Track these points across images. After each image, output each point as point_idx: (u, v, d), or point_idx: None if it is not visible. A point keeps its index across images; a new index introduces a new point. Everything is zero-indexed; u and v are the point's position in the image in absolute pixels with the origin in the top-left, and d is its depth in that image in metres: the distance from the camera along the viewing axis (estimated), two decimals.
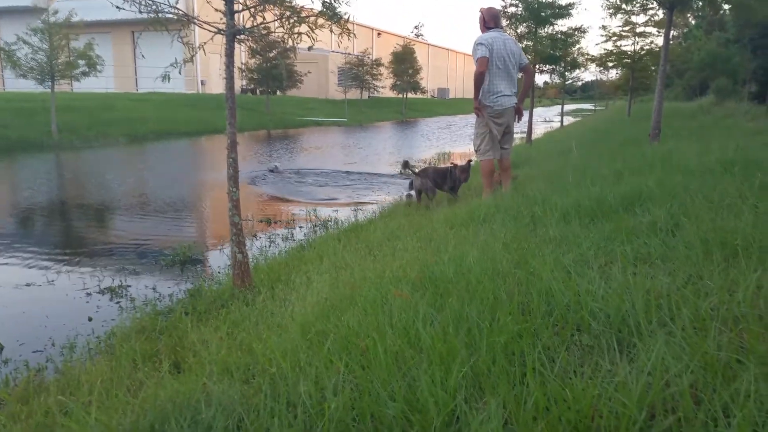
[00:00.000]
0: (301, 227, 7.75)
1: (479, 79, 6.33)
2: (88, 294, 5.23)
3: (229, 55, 4.35)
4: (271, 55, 30.19)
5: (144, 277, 5.73)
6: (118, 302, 5.03)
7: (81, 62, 19.37)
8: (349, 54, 39.42)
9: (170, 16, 4.55)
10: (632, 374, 1.75)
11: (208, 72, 38.34)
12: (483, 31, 6.56)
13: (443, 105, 56.48)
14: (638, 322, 2.11)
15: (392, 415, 1.83)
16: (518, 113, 6.68)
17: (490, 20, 6.57)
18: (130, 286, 5.41)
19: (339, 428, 1.85)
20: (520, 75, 6.98)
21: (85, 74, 19.58)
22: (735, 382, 1.66)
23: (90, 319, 4.64)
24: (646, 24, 21.78)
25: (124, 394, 2.88)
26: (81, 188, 11.53)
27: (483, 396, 1.89)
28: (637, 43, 23.17)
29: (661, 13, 15.79)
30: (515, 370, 1.97)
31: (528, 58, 7.10)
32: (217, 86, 37.14)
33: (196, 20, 4.56)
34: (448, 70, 77.78)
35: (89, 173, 13.60)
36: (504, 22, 16.88)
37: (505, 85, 6.45)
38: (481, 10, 6.65)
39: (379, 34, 59.04)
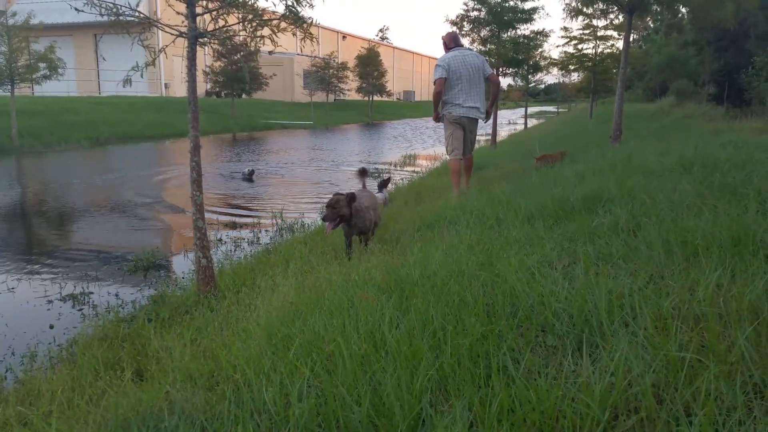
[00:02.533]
0: (267, 231, 7.67)
1: (436, 98, 7.27)
2: (50, 301, 5.10)
3: (191, 58, 4.29)
4: (236, 58, 29.90)
5: (106, 283, 5.60)
6: (80, 309, 4.91)
7: (42, 65, 18.87)
8: (314, 57, 39.29)
9: (131, 19, 4.46)
10: (595, 375, 1.76)
11: (172, 75, 37.83)
12: (445, 52, 7.37)
13: (409, 108, 56.70)
14: (601, 322, 2.13)
15: (358, 420, 1.81)
16: (487, 114, 7.45)
17: (450, 42, 7.45)
18: (92, 293, 5.29)
19: None
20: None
21: (46, 77, 19.08)
22: (696, 381, 1.68)
23: (51, 327, 4.53)
24: (606, 27, 22.22)
25: (85, 403, 2.81)
26: (42, 193, 11.23)
27: (448, 398, 1.88)
28: (598, 46, 23.61)
29: (621, 17, 16.11)
30: (480, 372, 1.97)
31: (491, 70, 7.64)
32: (180, 89, 36.65)
33: (157, 23, 4.48)
34: (414, 73, 78.16)
35: (51, 178, 13.25)
36: (467, 26, 17.06)
37: (464, 97, 7.15)
38: (442, 37, 7.54)
39: (344, 37, 59.01)
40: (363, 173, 6.10)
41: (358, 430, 1.78)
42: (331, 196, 4.91)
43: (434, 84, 7.25)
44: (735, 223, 3.05)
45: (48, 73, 19.05)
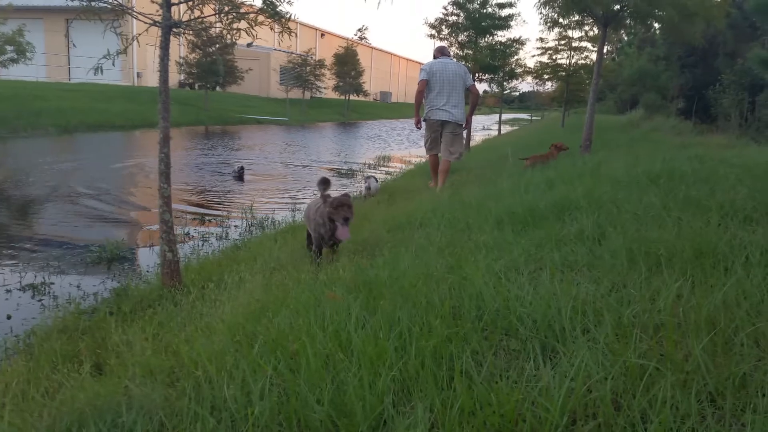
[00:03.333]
0: (236, 227, 7.60)
1: (417, 98, 8.14)
2: (8, 291, 4.97)
3: (164, 48, 4.23)
4: (211, 50, 29.55)
5: (69, 274, 5.48)
6: (40, 300, 4.80)
7: (9, 48, 18.41)
8: (292, 53, 39.07)
9: (104, 5, 4.38)
10: (555, 379, 1.79)
11: (145, 64, 37.24)
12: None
13: (385, 108, 56.74)
14: (563, 327, 2.16)
15: (319, 420, 1.81)
16: (466, 124, 8.31)
17: (437, 53, 8.42)
18: (53, 284, 5.16)
19: None
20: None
21: (13, 61, 18.64)
22: (653, 388, 1.71)
23: (9, 317, 4.41)
24: (581, 39, 22.54)
25: (41, 396, 2.75)
26: (5, 180, 10.95)
27: (411, 400, 1.89)
28: (573, 56, 23.94)
29: (596, 29, 16.36)
30: (443, 374, 1.98)
31: (472, 81, 8.43)
32: (153, 79, 36.08)
33: (131, 11, 4.41)
34: (391, 74, 78.24)
35: (15, 165, 12.93)
36: (445, 31, 17.17)
37: (444, 101, 7.94)
38: (434, 49, 8.61)
39: (322, 34, 58.81)
40: (325, 183, 5.10)
41: (319, 430, 1.77)
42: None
43: (417, 85, 8.08)
44: (697, 236, 3.12)
45: (15, 57, 18.60)
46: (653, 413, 1.60)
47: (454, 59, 8.85)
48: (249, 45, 4.56)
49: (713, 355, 1.86)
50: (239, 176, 12.07)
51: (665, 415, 1.56)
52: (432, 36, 17.49)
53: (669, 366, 1.82)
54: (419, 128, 8.33)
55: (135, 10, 4.36)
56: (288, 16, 4.32)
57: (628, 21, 11.23)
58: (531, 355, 2.04)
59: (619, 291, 2.54)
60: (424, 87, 7.99)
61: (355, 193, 9.32)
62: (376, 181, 9.04)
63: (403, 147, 23.06)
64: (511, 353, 2.14)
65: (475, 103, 8.64)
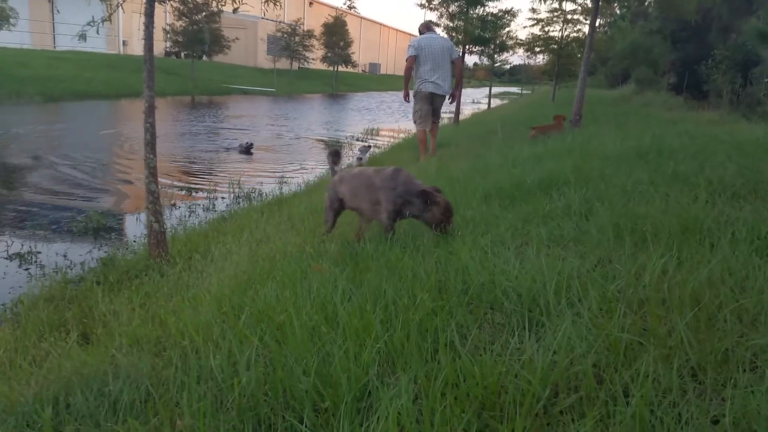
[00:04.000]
0: (223, 198, 7.56)
1: (407, 74, 8.44)
2: None
3: (149, 15, 4.14)
4: (197, 18, 29.04)
5: (55, 243, 5.45)
6: (26, 269, 4.78)
7: None
8: (280, 22, 38.50)
9: None
10: (539, 352, 1.80)
11: (131, 32, 36.61)
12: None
13: (374, 80, 56.26)
14: (548, 302, 2.17)
15: (304, 390, 1.82)
16: (452, 97, 8.77)
17: (423, 29, 8.68)
18: (40, 253, 5.14)
19: (250, 402, 1.83)
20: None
21: None
22: (636, 363, 1.73)
23: None
24: (574, 12, 22.35)
25: (28, 364, 2.76)
26: None
27: (395, 372, 1.90)
28: (565, 29, 23.76)
29: (589, 2, 16.24)
30: (428, 346, 1.99)
31: (457, 54, 8.84)
32: (139, 47, 35.36)
33: None
34: (380, 45, 77.38)
35: (0, 132, 12.74)
36: (436, 1, 16.97)
37: (433, 75, 8.24)
38: (419, 26, 8.81)
39: (311, 3, 57.94)
40: (336, 156, 4.34)
41: (304, 400, 1.79)
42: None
43: (406, 62, 8.39)
44: (684, 212, 3.14)
45: None
46: (635, 387, 1.62)
47: (440, 34, 8.94)
48: (235, 11, 4.49)
49: (696, 331, 1.88)
50: (246, 151, 11.72)
51: (647, 389, 1.58)
52: (422, 6, 17.26)
53: (652, 341, 1.84)
54: (407, 101, 8.63)
55: None
56: None
57: None
58: (515, 329, 2.06)
59: (604, 266, 2.56)
60: (413, 63, 8.33)
61: (346, 162, 9.30)
62: (366, 151, 9.18)
63: (393, 120, 22.93)
64: (496, 327, 2.15)
65: (460, 76, 8.89)
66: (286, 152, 12.49)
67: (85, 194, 7.63)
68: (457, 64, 8.76)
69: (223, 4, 4.31)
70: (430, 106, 8.42)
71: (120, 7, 4.26)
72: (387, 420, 1.59)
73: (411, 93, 8.52)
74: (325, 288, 2.58)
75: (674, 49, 23.84)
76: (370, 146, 9.85)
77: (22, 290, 4.21)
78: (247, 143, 11.91)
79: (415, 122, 8.66)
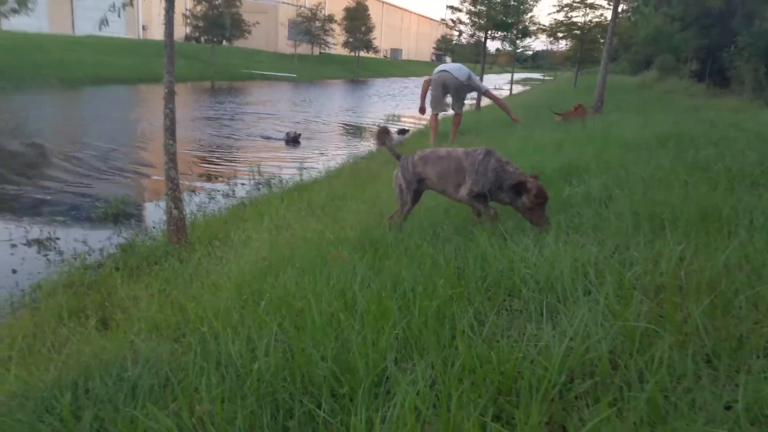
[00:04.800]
0: (243, 184, 7.61)
1: (424, 88, 9.06)
2: (14, 246, 5.02)
3: (170, 0, 4.17)
4: (217, 2, 29.04)
5: (74, 229, 5.52)
6: (45, 255, 4.84)
7: None
8: (300, 6, 38.40)
9: None
10: (555, 339, 1.81)
11: (150, 17, 36.74)
12: None
13: (396, 66, 55.95)
14: (565, 288, 2.17)
15: (322, 375, 1.84)
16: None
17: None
18: (59, 239, 5.21)
19: (268, 388, 1.85)
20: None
21: (15, 11, 18.22)
22: (651, 349, 1.73)
23: (14, 272, 4.46)
24: None
25: (47, 350, 2.80)
26: (9, 133, 10.91)
27: (413, 357, 1.92)
28: (588, 14, 23.41)
29: None
30: (446, 333, 2.00)
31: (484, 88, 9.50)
32: (159, 32, 35.48)
33: None
34: (402, 30, 76.87)
35: (20, 118, 12.87)
36: None
37: (445, 66, 9.05)
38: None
39: None
40: (387, 134, 3.89)
41: (322, 385, 1.81)
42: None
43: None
44: (703, 199, 3.11)
45: (17, 7, 18.17)
46: (650, 373, 1.62)
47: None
48: None
49: (712, 318, 1.87)
50: (294, 141, 11.53)
51: (661, 375, 1.58)
52: None
53: (668, 327, 1.84)
54: (423, 114, 9.45)
55: None
56: None
57: None
58: (533, 316, 2.06)
59: (622, 253, 2.54)
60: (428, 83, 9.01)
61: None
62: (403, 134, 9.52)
63: (416, 106, 22.74)
64: (513, 313, 2.16)
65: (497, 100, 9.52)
66: (324, 140, 12.50)
67: (105, 180, 7.71)
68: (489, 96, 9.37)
69: None
70: (441, 91, 8.88)
71: None
72: (404, 405, 1.61)
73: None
74: (345, 275, 2.60)
75: (697, 36, 23.38)
76: (407, 130, 9.96)
77: (41, 276, 4.25)
78: (294, 133, 11.69)
79: (432, 109, 9.11)
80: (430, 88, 8.97)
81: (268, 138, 12.01)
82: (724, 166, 3.91)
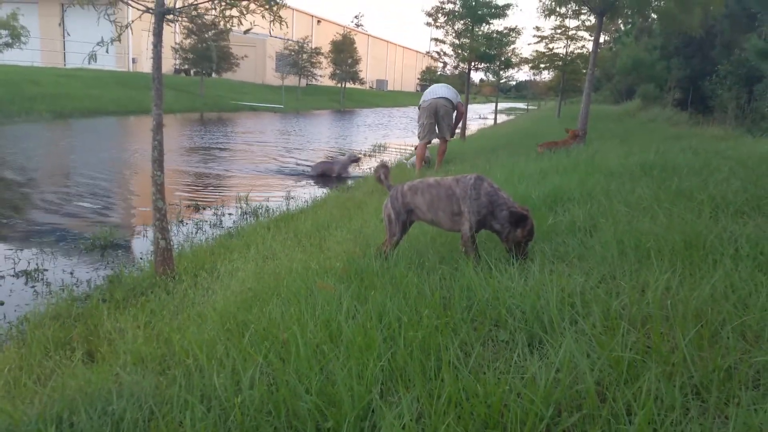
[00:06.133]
0: (230, 214, 7.59)
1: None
2: (1, 277, 4.97)
3: (157, 34, 4.20)
4: (207, 35, 29.32)
5: (62, 260, 5.48)
6: (33, 286, 4.80)
7: (4, 32, 18.22)
8: (288, 40, 38.83)
9: None
10: (541, 370, 1.80)
11: (140, 49, 36.97)
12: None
13: (381, 96, 56.50)
14: (551, 319, 2.17)
15: (307, 408, 1.82)
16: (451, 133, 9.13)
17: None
18: (46, 270, 5.16)
19: (253, 422, 1.83)
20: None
21: (8, 45, 18.44)
22: (638, 380, 1.73)
23: (1, 303, 4.41)
24: (578, 28, 22.46)
25: (33, 382, 2.77)
26: (0, 165, 10.87)
27: (398, 390, 1.90)
28: (569, 45, 23.86)
29: (592, 18, 16.31)
30: (432, 364, 1.99)
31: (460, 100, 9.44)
32: (148, 65, 35.65)
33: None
34: (387, 62, 77.81)
35: (10, 150, 12.82)
36: (441, 19, 17.14)
37: (433, 92, 8.98)
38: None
39: (319, 21, 58.44)
40: (386, 169, 3.87)
41: (307, 419, 1.79)
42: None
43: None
44: (688, 228, 3.14)
45: (10, 41, 18.42)
46: (638, 405, 1.62)
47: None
48: (246, 32, 4.55)
49: (699, 348, 1.88)
50: (355, 162, 10.87)
51: (649, 407, 1.57)
52: (429, 24, 17.43)
53: (655, 358, 1.83)
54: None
55: None
56: (280, 2, 4.28)
57: (625, 10, 11.20)
58: (519, 346, 2.06)
59: (608, 283, 2.55)
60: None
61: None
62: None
63: (401, 135, 22.97)
64: (499, 344, 2.15)
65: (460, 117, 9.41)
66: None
67: (93, 211, 7.67)
68: (459, 108, 9.18)
69: (232, 24, 4.36)
70: (433, 119, 8.80)
71: (129, 28, 4.31)
72: None
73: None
74: (330, 305, 2.59)
75: (678, 65, 23.85)
76: (359, 158, 9.97)
77: (28, 308, 4.22)
78: (355, 155, 11.09)
79: (418, 137, 9.03)
80: (420, 115, 8.90)
81: (299, 174, 11.46)
82: (708, 195, 3.95)
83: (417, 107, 9.19)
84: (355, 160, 10.73)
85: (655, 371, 1.74)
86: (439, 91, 8.94)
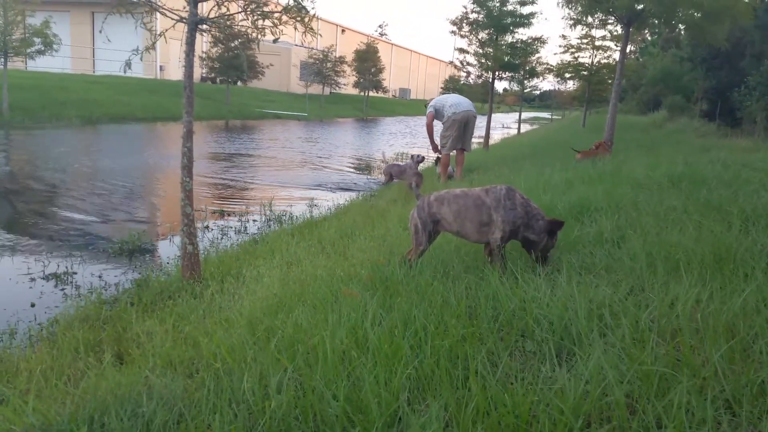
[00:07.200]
0: (254, 221, 7.66)
1: (429, 129, 9.19)
2: (32, 279, 5.07)
3: (190, 44, 4.28)
4: (234, 45, 29.67)
5: (91, 264, 5.57)
6: (62, 289, 4.88)
7: (37, 40, 18.60)
8: (312, 49, 39.13)
9: (135, 0, 4.45)
10: (571, 382, 1.79)
11: (168, 57, 37.51)
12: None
13: (404, 105, 56.57)
14: (579, 330, 2.16)
15: (335, 415, 1.83)
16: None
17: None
18: (75, 273, 5.26)
19: (281, 427, 1.85)
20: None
21: (40, 53, 18.79)
22: (669, 393, 1.71)
23: (33, 305, 4.50)
24: (604, 38, 22.31)
25: (64, 383, 2.81)
26: (31, 169, 11.10)
27: (426, 398, 1.90)
28: (595, 55, 23.70)
29: (619, 28, 16.19)
30: (459, 373, 1.99)
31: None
32: (176, 72, 36.40)
33: (159, 8, 4.46)
34: (411, 70, 77.98)
35: (40, 154, 13.10)
36: (466, 28, 17.14)
37: (461, 105, 8.93)
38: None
39: (343, 30, 58.79)
40: (419, 178, 3.67)
41: (335, 425, 1.80)
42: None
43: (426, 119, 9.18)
44: (718, 240, 3.10)
45: (42, 49, 18.78)
46: (668, 418, 1.60)
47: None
48: (275, 41, 4.61)
49: (731, 362, 1.85)
50: (418, 164, 10.39)
51: (680, 421, 1.56)
52: (453, 33, 17.44)
53: (685, 371, 1.82)
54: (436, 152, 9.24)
55: (163, 6, 4.41)
56: (312, 14, 4.34)
57: (652, 20, 11.11)
58: (546, 357, 2.05)
59: (637, 295, 2.53)
60: (433, 117, 9.08)
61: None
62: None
63: (423, 144, 22.96)
64: (527, 354, 2.15)
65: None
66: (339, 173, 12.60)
67: (121, 216, 7.79)
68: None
69: (263, 34, 4.41)
70: (461, 132, 8.83)
71: (162, 36, 4.39)
72: None
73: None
74: (356, 312, 2.60)
75: (706, 76, 23.54)
76: (423, 157, 9.83)
77: (58, 310, 4.30)
78: (419, 156, 10.65)
79: (442, 147, 8.98)
80: (449, 126, 8.81)
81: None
82: (738, 207, 3.90)
83: (427, 114, 9.13)
84: (420, 160, 10.69)
85: (685, 384, 1.72)
86: (468, 104, 8.98)
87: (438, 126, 9.15)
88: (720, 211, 3.93)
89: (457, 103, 8.95)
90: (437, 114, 9.00)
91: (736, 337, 1.97)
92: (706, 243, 3.08)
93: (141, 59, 4.31)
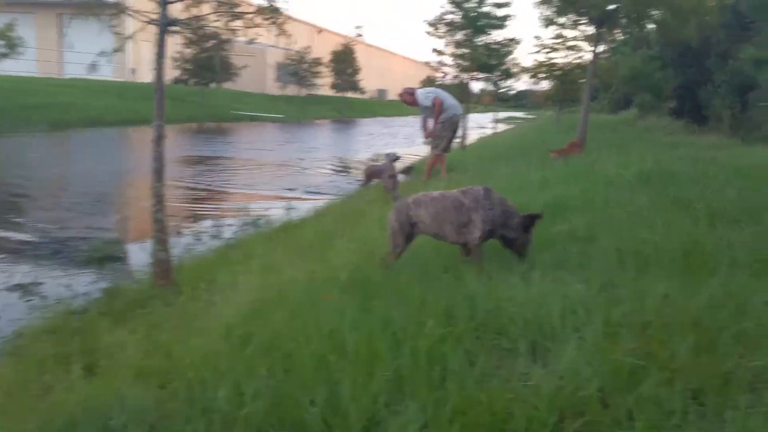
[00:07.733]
0: (230, 225, 7.58)
1: (438, 110, 8.80)
2: None
3: (160, 46, 4.22)
4: (207, 45, 29.36)
5: (58, 273, 5.40)
6: (28, 300, 4.71)
7: (0, 42, 18.19)
8: (288, 50, 38.91)
9: (101, 2, 4.39)
10: (545, 377, 1.81)
11: (139, 60, 36.91)
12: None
13: (382, 106, 56.53)
14: (553, 327, 2.18)
15: (312, 420, 1.82)
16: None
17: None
18: (42, 283, 5.07)
19: None
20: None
21: (4, 56, 18.40)
22: (640, 386, 1.74)
23: None
24: (576, 39, 22.55)
25: (30, 398, 2.73)
26: None
27: (404, 400, 1.91)
28: (568, 56, 23.93)
29: (591, 29, 16.40)
30: (436, 373, 2.00)
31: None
32: (147, 75, 35.86)
33: (128, 11, 4.39)
34: (388, 71, 78.00)
35: (5, 161, 12.81)
36: (442, 29, 17.22)
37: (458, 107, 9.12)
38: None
39: (319, 31, 58.54)
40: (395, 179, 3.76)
41: (313, 430, 1.79)
42: None
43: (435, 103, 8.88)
44: (685, 236, 3.16)
45: (6, 52, 18.36)
46: (639, 411, 1.63)
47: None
48: (250, 42, 4.57)
49: (698, 354, 1.89)
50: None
51: (650, 413, 1.59)
52: (430, 34, 17.51)
53: (655, 364, 1.85)
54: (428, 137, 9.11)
55: (131, 7, 4.35)
56: (284, 16, 4.30)
57: (623, 20, 11.27)
58: (522, 354, 2.07)
59: (608, 290, 2.57)
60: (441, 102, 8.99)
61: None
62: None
63: (402, 144, 22.95)
64: (503, 352, 2.16)
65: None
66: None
67: (90, 222, 7.62)
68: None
69: (235, 35, 4.37)
70: (453, 134, 9.07)
71: (131, 39, 4.33)
72: None
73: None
74: (334, 316, 2.59)
75: (675, 75, 23.91)
76: (398, 156, 9.68)
77: (23, 322, 4.13)
78: (393, 154, 11.03)
79: (435, 147, 9.01)
80: (446, 127, 8.89)
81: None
82: (705, 203, 3.97)
83: (420, 116, 9.14)
84: (395, 158, 10.58)
85: (655, 377, 1.75)
86: (459, 105, 9.12)
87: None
88: (688, 207, 4.00)
89: (454, 105, 9.06)
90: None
91: (702, 330, 2.00)
92: (674, 239, 3.14)
93: (110, 62, 4.24)
